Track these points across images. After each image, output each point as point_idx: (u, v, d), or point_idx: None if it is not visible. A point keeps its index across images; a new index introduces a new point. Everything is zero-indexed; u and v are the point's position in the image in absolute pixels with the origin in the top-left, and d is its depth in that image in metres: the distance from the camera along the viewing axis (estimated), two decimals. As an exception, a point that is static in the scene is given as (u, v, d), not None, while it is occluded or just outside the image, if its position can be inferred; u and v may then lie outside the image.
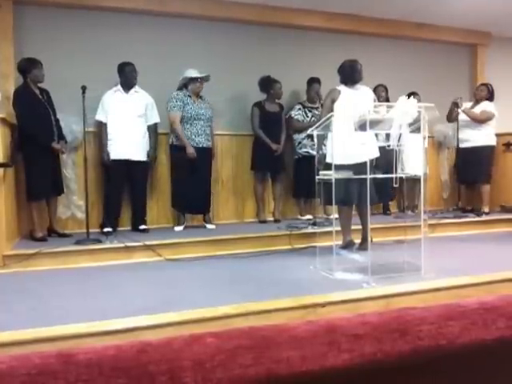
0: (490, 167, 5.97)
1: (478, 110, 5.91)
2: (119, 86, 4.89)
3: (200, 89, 5.03)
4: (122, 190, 4.93)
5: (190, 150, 4.89)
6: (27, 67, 4.38)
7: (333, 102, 4.05)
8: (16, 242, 4.29)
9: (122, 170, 4.80)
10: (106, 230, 4.66)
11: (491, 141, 5.93)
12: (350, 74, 4.09)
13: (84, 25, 5.10)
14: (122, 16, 5.23)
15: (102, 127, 4.88)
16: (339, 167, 3.59)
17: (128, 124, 4.82)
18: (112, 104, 4.83)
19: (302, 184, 5.49)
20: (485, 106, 5.90)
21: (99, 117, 4.86)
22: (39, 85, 4.48)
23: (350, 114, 3.55)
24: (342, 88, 4.09)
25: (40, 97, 4.45)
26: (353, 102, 3.89)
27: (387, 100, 5.64)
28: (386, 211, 6.05)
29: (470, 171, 5.81)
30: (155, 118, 5.04)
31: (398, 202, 6.28)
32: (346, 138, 3.68)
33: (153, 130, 5.04)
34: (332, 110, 3.93)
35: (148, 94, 5.00)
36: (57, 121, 4.58)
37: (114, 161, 4.78)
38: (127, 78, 4.85)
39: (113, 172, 4.80)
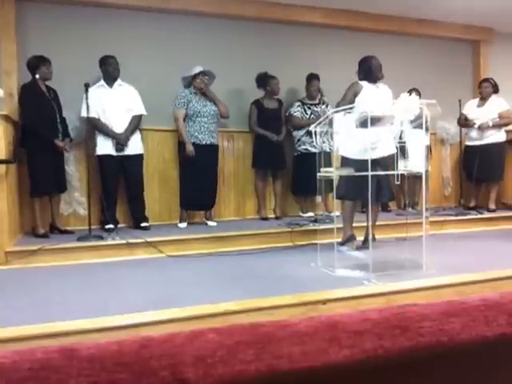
0: (503, 164, 5.92)
1: (490, 107, 5.84)
2: (102, 82, 4.79)
3: (202, 84, 5.01)
4: (117, 185, 4.86)
5: (189, 148, 4.88)
6: (36, 64, 4.40)
7: (355, 95, 4.00)
8: (18, 239, 4.30)
9: (116, 166, 4.75)
10: (107, 226, 4.66)
11: (502, 137, 5.88)
12: (372, 72, 4.05)
13: (87, 21, 5.10)
14: (124, 13, 5.23)
15: (89, 123, 4.68)
16: (358, 162, 3.57)
17: (117, 119, 4.74)
18: (97, 100, 4.66)
19: (300, 181, 5.49)
20: (497, 102, 5.85)
21: (84, 113, 4.50)
22: (47, 83, 4.49)
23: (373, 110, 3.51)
24: (365, 84, 4.05)
25: (47, 94, 4.46)
26: (375, 99, 3.87)
27: None
28: (386, 208, 6.05)
29: (484, 170, 5.73)
30: (139, 110, 4.86)
31: (398, 199, 6.27)
32: (368, 133, 3.61)
33: (135, 119, 4.82)
34: (353, 103, 3.90)
35: (131, 85, 4.86)
36: (62, 119, 4.57)
37: (106, 156, 4.73)
38: (110, 70, 4.74)
39: (106, 168, 4.75)
